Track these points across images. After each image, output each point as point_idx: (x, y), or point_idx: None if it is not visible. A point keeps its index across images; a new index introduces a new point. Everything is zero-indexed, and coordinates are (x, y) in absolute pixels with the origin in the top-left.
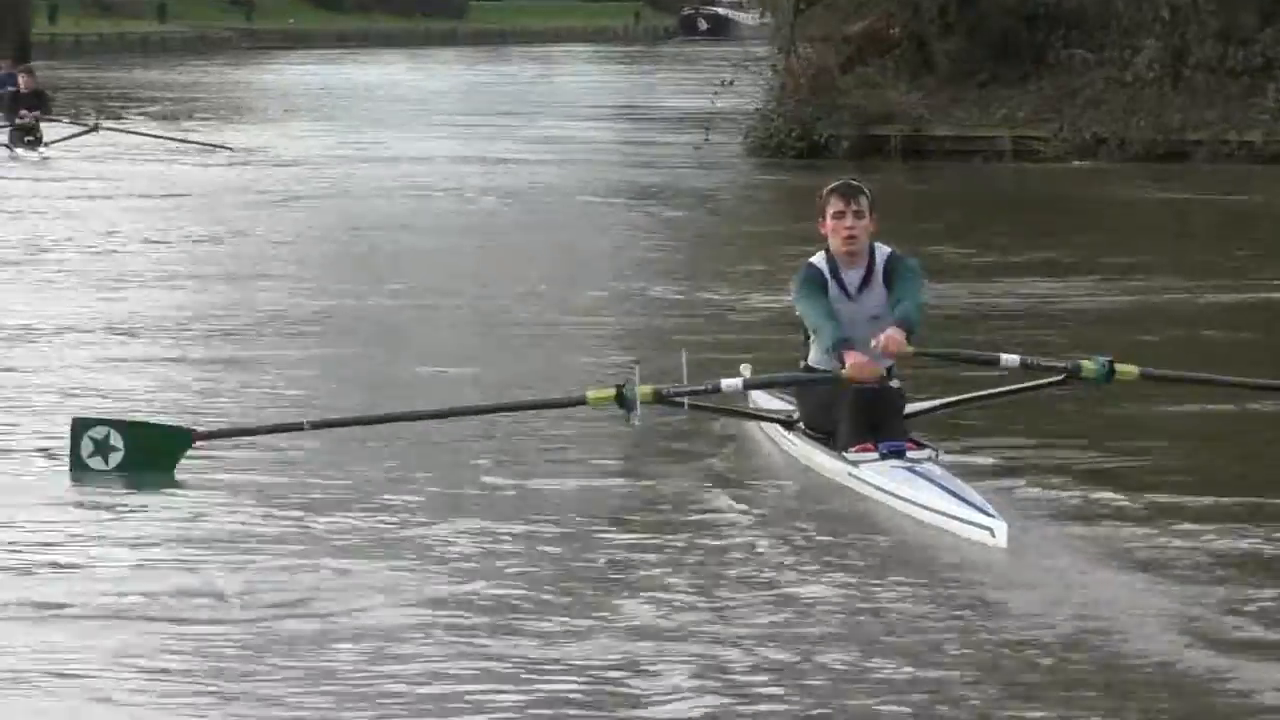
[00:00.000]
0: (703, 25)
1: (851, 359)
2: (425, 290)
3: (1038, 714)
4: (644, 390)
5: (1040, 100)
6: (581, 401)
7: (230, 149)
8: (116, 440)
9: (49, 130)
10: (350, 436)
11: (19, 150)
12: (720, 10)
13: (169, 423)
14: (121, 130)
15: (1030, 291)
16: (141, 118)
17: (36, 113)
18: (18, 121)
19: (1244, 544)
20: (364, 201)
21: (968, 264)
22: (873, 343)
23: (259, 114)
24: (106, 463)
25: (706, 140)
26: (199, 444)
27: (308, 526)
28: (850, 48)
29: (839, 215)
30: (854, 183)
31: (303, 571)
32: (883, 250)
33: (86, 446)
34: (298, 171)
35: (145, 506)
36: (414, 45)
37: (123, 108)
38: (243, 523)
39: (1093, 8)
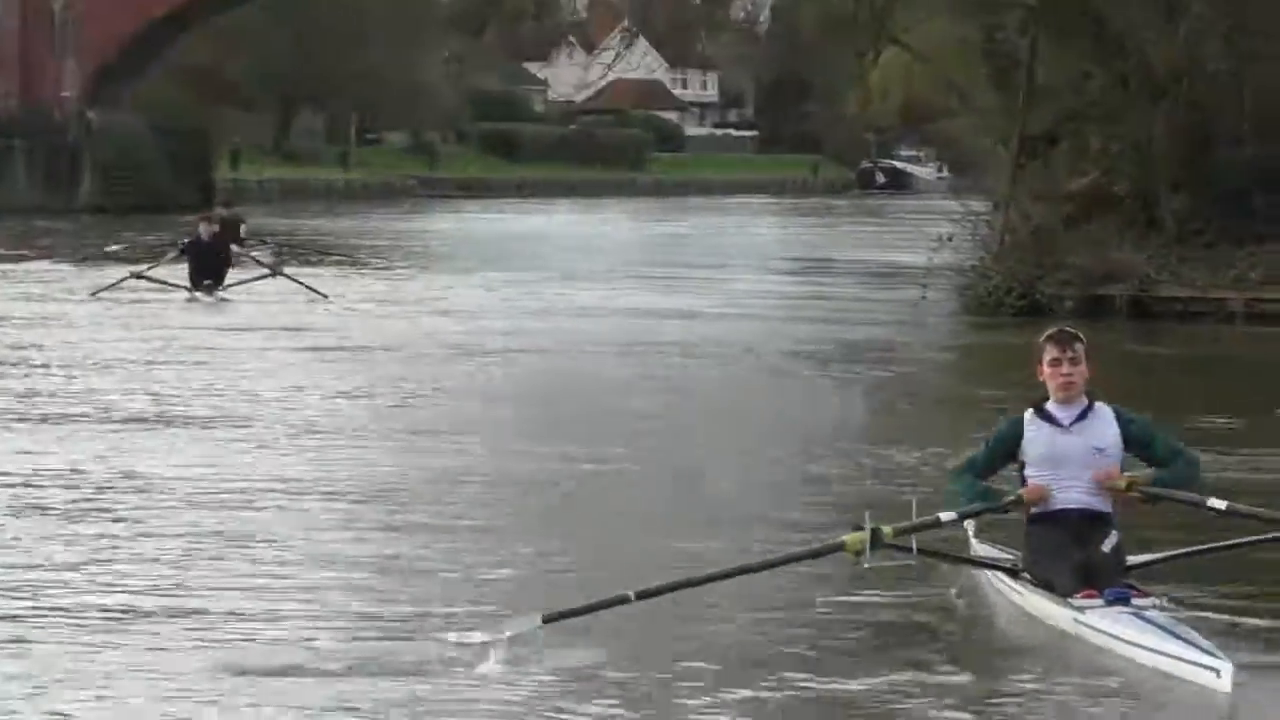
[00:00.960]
0: (880, 179)
1: (1028, 488)
2: (644, 452)
3: None
4: (886, 531)
5: (1273, 262)
6: (840, 547)
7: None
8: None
9: (231, 274)
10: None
11: (198, 294)
12: (898, 164)
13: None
14: (297, 281)
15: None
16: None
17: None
18: (205, 284)
19: None
20: (566, 357)
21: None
22: (1091, 474)
23: (443, 261)
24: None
25: (924, 297)
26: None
27: None
28: (1071, 205)
29: (1055, 362)
30: (1069, 330)
31: None
32: (1105, 408)
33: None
34: (495, 324)
35: None
36: (592, 195)
37: (303, 254)
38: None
39: None
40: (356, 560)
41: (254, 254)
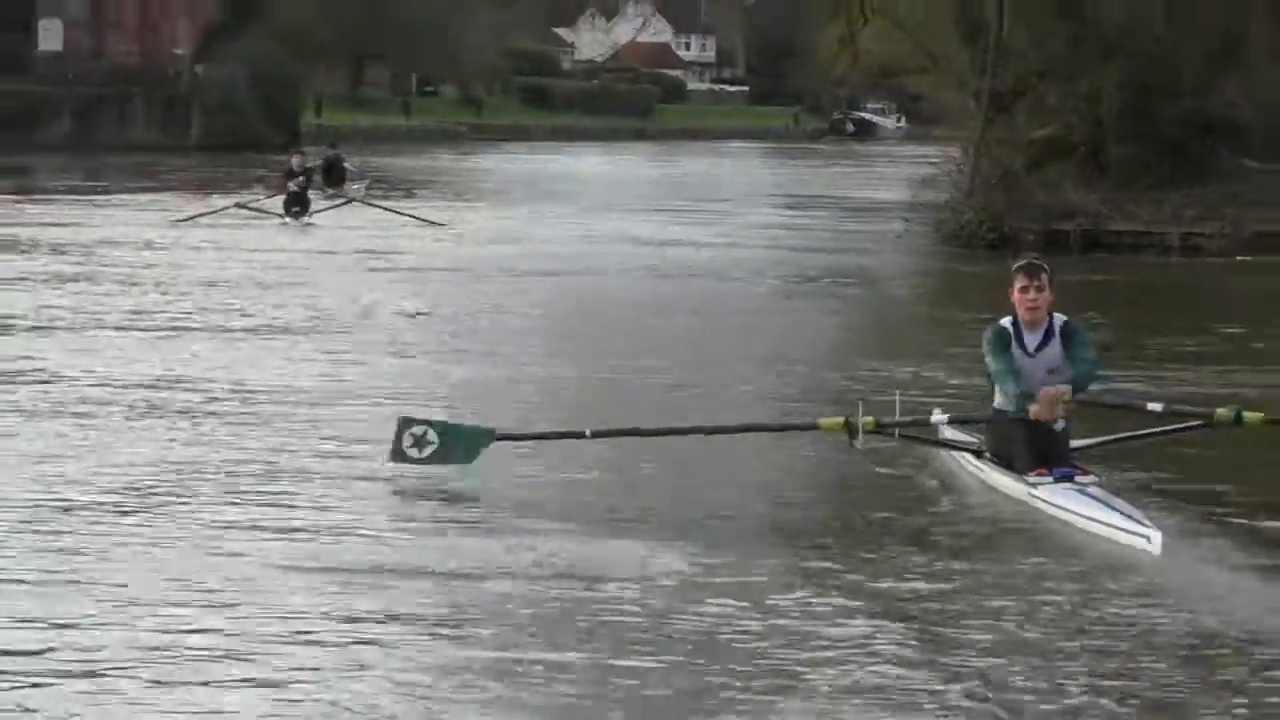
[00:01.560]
0: (850, 128)
1: (1038, 403)
2: (673, 363)
3: (1178, 696)
4: (868, 420)
5: (1207, 201)
6: (814, 427)
7: (442, 224)
8: (432, 436)
9: (316, 201)
10: (621, 445)
11: (288, 219)
12: (865, 115)
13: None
14: (375, 205)
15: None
16: (395, 195)
17: (302, 179)
18: (291, 188)
19: None
20: (608, 278)
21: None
22: (1041, 391)
23: (498, 195)
24: (420, 453)
25: (907, 230)
26: (499, 442)
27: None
28: (1032, 151)
29: (1024, 289)
30: (1036, 261)
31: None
32: (1059, 317)
33: (407, 440)
34: (548, 249)
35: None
36: (611, 139)
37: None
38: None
39: (1259, 120)
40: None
41: (352, 187)
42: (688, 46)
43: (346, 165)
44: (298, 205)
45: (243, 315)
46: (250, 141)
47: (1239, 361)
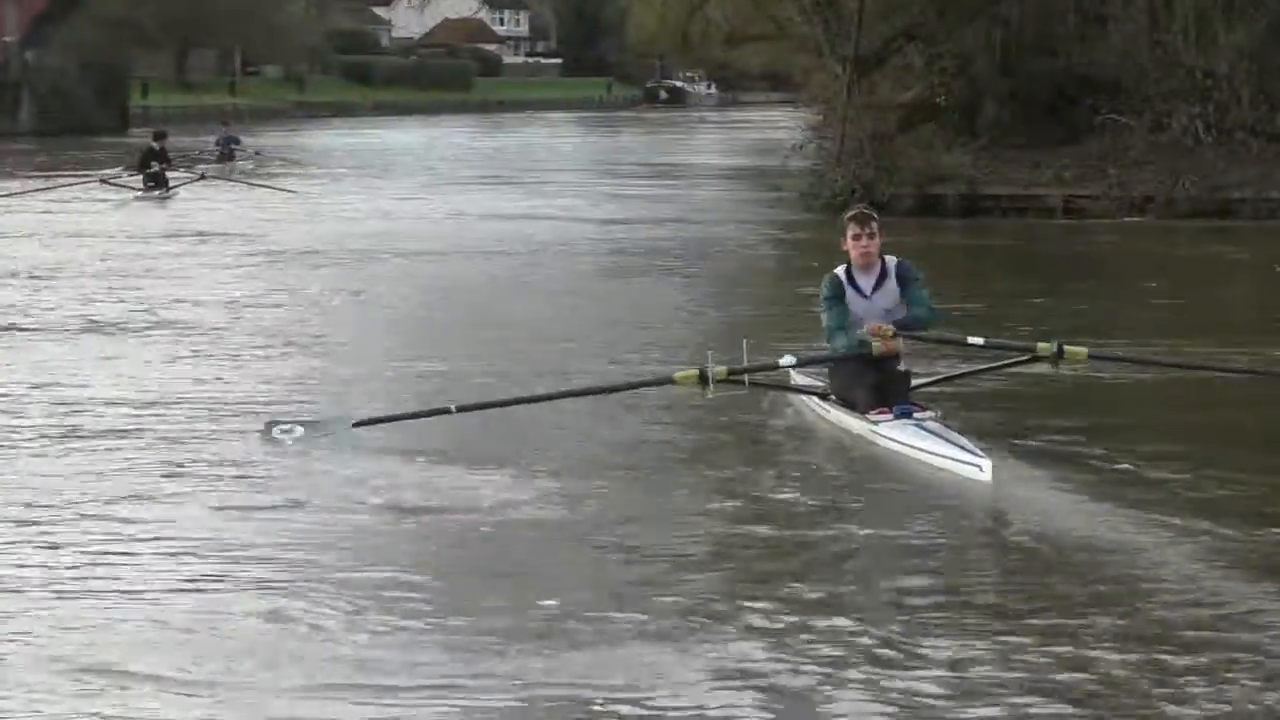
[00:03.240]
0: (663, 95)
1: (879, 341)
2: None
3: (1019, 604)
4: (719, 370)
5: (1083, 162)
6: (670, 381)
7: (293, 191)
8: (299, 431)
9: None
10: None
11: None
12: (677, 83)
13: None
14: (224, 179)
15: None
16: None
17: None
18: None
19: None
20: (462, 258)
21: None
22: (868, 325)
23: (330, 172)
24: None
25: (779, 199)
26: (358, 428)
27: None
28: (899, 115)
29: (856, 237)
30: (866, 210)
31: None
32: (892, 259)
33: (275, 433)
34: (400, 226)
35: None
36: (432, 113)
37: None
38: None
39: (1127, 77)
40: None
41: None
42: (502, 22)
43: (237, 147)
44: (153, 181)
45: (80, 307)
46: (81, 126)
47: (1138, 332)
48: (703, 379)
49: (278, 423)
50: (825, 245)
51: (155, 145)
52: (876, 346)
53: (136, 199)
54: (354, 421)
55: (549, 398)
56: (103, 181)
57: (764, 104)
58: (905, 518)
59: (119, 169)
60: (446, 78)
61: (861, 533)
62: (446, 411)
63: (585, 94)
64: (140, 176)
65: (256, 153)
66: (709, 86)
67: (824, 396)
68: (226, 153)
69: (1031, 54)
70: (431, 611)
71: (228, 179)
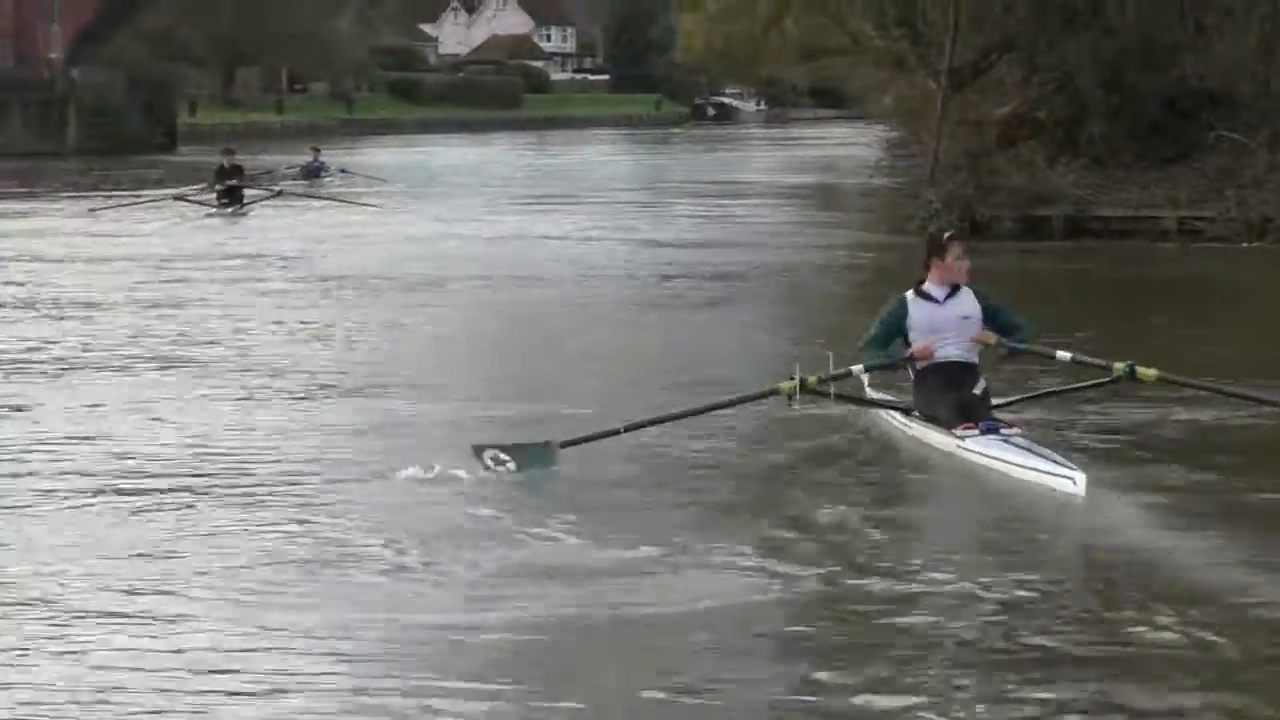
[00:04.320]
0: (710, 112)
1: (916, 346)
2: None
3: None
4: (811, 379)
5: (1198, 181)
6: (775, 392)
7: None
8: (504, 456)
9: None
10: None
11: (224, 209)
12: (725, 100)
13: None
14: (298, 194)
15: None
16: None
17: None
18: (218, 187)
19: None
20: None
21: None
22: (970, 336)
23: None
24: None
25: (862, 218)
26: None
27: None
28: (996, 131)
29: (959, 257)
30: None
31: None
32: (966, 287)
33: (487, 460)
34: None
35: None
36: (479, 130)
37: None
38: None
39: (1243, 90)
40: None
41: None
42: (549, 38)
43: (323, 168)
44: (228, 198)
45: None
46: (128, 144)
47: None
48: (802, 387)
49: (485, 447)
50: (906, 267)
51: (225, 163)
52: (916, 347)
53: (209, 215)
54: (561, 441)
55: (697, 412)
56: (177, 199)
57: (813, 120)
58: (998, 529)
59: (199, 186)
60: (494, 94)
61: (948, 540)
62: (617, 432)
63: (633, 110)
64: (214, 194)
65: (342, 170)
66: (758, 103)
67: (908, 412)
68: (312, 170)
69: (1139, 66)
70: None
71: (315, 196)
